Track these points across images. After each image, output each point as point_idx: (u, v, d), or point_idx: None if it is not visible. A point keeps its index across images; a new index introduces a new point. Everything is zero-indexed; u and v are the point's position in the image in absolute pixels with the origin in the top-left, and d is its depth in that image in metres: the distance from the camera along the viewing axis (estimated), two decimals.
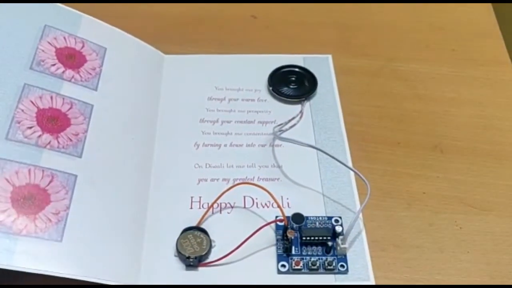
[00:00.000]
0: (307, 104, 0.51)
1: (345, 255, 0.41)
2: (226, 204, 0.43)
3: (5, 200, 0.36)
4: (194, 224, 0.42)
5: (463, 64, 0.56)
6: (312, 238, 0.41)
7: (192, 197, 0.44)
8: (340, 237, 0.41)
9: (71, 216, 0.38)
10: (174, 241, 0.41)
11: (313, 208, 0.43)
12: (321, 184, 0.45)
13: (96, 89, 0.46)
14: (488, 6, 0.61)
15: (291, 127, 0.49)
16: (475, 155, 0.48)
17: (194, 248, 0.40)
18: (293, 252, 0.41)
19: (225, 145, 0.48)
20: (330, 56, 0.55)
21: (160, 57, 0.54)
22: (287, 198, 0.44)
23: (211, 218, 0.43)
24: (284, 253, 0.41)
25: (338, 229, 0.41)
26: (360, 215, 0.43)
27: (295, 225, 0.42)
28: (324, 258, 0.40)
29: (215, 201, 0.42)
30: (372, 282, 0.40)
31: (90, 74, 0.47)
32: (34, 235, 0.36)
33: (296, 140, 0.46)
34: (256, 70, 0.53)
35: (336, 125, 0.49)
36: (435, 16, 0.61)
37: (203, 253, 0.40)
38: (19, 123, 0.40)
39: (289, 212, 0.42)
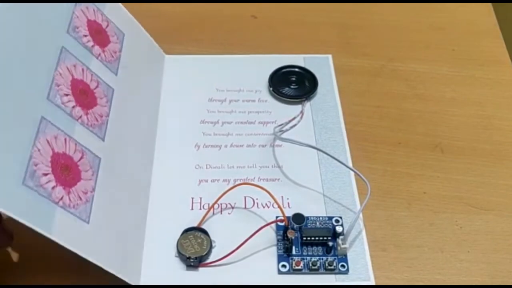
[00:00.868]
0: (307, 104, 0.51)
1: (346, 255, 0.41)
2: (226, 205, 0.44)
3: (46, 163, 0.35)
4: (194, 224, 0.42)
5: (463, 64, 0.56)
6: (313, 238, 0.41)
7: (192, 198, 0.44)
8: (341, 237, 0.41)
9: (95, 199, 0.38)
10: (175, 242, 0.41)
11: (314, 208, 0.43)
12: (321, 184, 0.45)
13: (116, 74, 0.45)
14: (488, 6, 0.62)
15: (292, 127, 0.49)
16: (475, 155, 0.48)
17: (194, 249, 0.40)
18: (293, 252, 0.41)
19: (226, 146, 0.48)
20: (330, 56, 0.55)
21: (162, 57, 0.54)
22: (288, 198, 0.44)
23: (211, 219, 0.43)
24: (285, 253, 0.41)
25: (339, 229, 0.41)
26: (361, 215, 0.43)
27: (295, 225, 0.42)
28: (324, 258, 0.40)
29: (215, 202, 0.42)
30: (372, 282, 0.40)
31: (112, 56, 0.46)
32: (68, 209, 0.35)
33: (296, 140, 0.46)
34: (256, 70, 0.53)
35: (337, 125, 0.49)
36: (435, 16, 0.61)
37: (204, 254, 0.40)
38: (58, 86, 0.39)
39: (289, 212, 0.42)
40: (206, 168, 0.46)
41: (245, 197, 0.44)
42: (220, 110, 0.50)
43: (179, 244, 0.40)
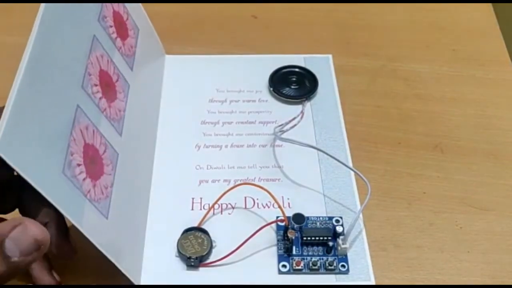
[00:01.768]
0: (307, 104, 0.51)
1: (346, 255, 0.41)
2: (227, 205, 0.44)
3: (80, 153, 0.35)
4: (195, 224, 0.42)
5: (463, 64, 0.56)
6: (313, 238, 0.41)
7: (193, 198, 0.44)
8: (341, 237, 0.41)
9: (113, 195, 0.37)
10: (175, 242, 0.41)
11: (314, 208, 0.43)
12: (321, 184, 0.45)
13: (132, 69, 0.45)
14: (488, 6, 0.62)
15: (292, 127, 0.49)
16: (475, 155, 0.48)
17: (195, 249, 0.40)
18: (294, 252, 0.41)
19: (226, 146, 0.48)
20: (330, 56, 0.55)
21: (163, 57, 0.54)
22: (288, 198, 0.44)
23: (212, 219, 0.43)
24: (285, 253, 0.41)
25: (339, 229, 0.41)
26: (361, 215, 0.43)
27: (295, 225, 0.42)
28: (324, 258, 0.41)
29: (216, 202, 0.42)
30: (372, 282, 0.40)
31: (129, 51, 0.45)
32: (94, 203, 0.35)
33: (296, 140, 0.47)
34: (256, 70, 0.54)
35: (337, 125, 0.49)
36: (435, 16, 0.61)
37: (204, 253, 0.40)
38: (90, 75, 0.38)
39: (289, 212, 0.42)
40: (207, 168, 0.46)
41: (245, 197, 0.44)
42: (220, 111, 0.50)
43: (179, 244, 0.40)
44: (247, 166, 0.46)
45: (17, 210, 0.38)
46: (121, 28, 0.44)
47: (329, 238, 0.41)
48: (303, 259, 0.40)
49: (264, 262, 0.41)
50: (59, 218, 0.37)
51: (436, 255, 0.42)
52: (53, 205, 0.31)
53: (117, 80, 0.42)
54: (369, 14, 0.61)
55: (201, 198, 0.44)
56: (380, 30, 0.59)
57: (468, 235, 0.43)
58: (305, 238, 0.41)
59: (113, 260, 0.35)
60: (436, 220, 0.44)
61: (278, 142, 0.48)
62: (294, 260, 0.40)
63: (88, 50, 0.39)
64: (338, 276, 0.40)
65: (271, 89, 0.52)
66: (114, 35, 0.43)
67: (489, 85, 0.54)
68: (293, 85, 0.52)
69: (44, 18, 0.35)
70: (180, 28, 0.59)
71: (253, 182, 0.44)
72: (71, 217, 0.32)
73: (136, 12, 0.48)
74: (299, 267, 0.40)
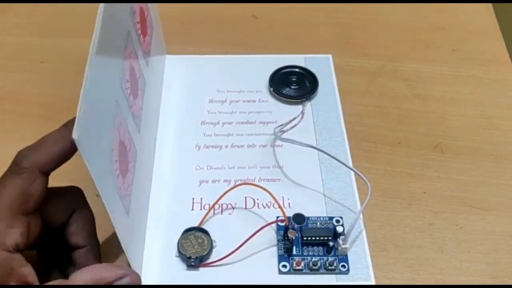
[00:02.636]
0: (308, 105, 0.51)
1: (346, 255, 0.41)
2: (227, 205, 0.44)
3: (116, 148, 0.35)
4: (195, 224, 0.42)
5: (463, 64, 0.56)
6: (313, 238, 0.41)
7: (193, 199, 0.44)
8: (341, 237, 0.41)
9: (132, 193, 0.37)
10: (176, 242, 0.41)
11: (314, 209, 0.43)
12: (322, 184, 0.45)
13: (147, 66, 0.45)
14: (488, 6, 0.62)
15: (292, 127, 0.49)
16: (475, 155, 0.48)
17: (195, 249, 0.40)
18: (294, 252, 0.41)
19: (226, 146, 0.48)
20: (330, 56, 0.55)
21: (163, 57, 0.54)
22: (288, 199, 0.44)
23: (212, 219, 0.43)
24: (285, 254, 0.41)
25: (339, 229, 0.41)
26: (361, 215, 0.43)
27: (296, 226, 0.42)
28: (325, 258, 0.41)
29: (216, 202, 0.42)
30: (372, 282, 0.40)
31: (146, 49, 0.45)
32: (122, 200, 0.35)
33: (297, 140, 0.46)
34: (257, 70, 0.54)
35: (337, 125, 0.49)
36: (435, 16, 0.61)
37: (204, 254, 0.40)
38: (125, 70, 0.39)
39: (290, 213, 0.42)
40: (207, 168, 0.46)
41: (245, 198, 0.44)
42: (220, 111, 0.51)
43: (179, 244, 0.40)
44: (247, 166, 0.46)
45: None
46: (143, 25, 0.45)
47: (330, 238, 0.41)
48: (304, 259, 0.40)
49: (264, 262, 0.41)
50: (96, 244, 0.38)
51: (436, 255, 0.42)
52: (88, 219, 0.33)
53: (139, 77, 0.42)
54: (369, 14, 0.61)
55: (201, 198, 0.44)
56: (380, 30, 0.59)
57: (468, 235, 0.43)
58: (305, 238, 0.41)
59: (130, 259, 0.36)
60: (436, 220, 0.44)
61: (278, 142, 0.48)
62: (295, 260, 0.40)
63: (124, 44, 0.39)
64: (338, 276, 0.40)
65: (271, 89, 0.52)
66: (139, 32, 0.43)
67: (489, 85, 0.54)
68: (293, 85, 0.52)
69: (105, 16, 0.35)
70: (180, 28, 0.59)
71: (253, 182, 0.44)
72: (112, 214, 0.32)
73: (153, 11, 0.48)
74: (300, 267, 0.40)
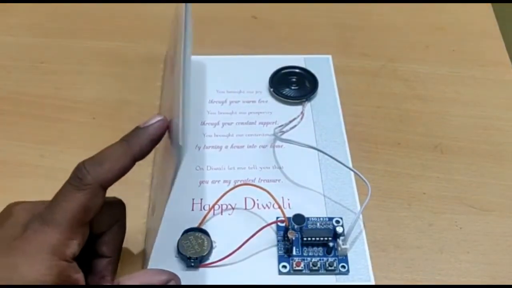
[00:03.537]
0: (308, 105, 0.51)
1: (346, 256, 0.41)
2: (227, 206, 0.44)
3: None
4: (195, 225, 0.42)
5: (463, 64, 0.56)
6: (313, 239, 0.41)
7: (193, 199, 0.44)
8: (341, 237, 0.41)
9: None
10: (175, 242, 0.41)
11: (314, 209, 0.43)
12: (321, 185, 0.45)
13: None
14: (488, 6, 0.62)
15: (292, 128, 0.49)
16: (475, 155, 0.48)
17: (195, 249, 0.40)
18: (294, 253, 0.41)
19: (226, 147, 0.48)
20: (330, 57, 0.55)
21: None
22: (288, 199, 0.44)
23: (212, 219, 0.43)
24: (285, 254, 0.41)
25: (339, 229, 0.41)
26: (361, 215, 0.43)
27: (296, 226, 0.42)
28: (325, 258, 0.41)
29: (216, 202, 0.42)
30: (372, 282, 0.40)
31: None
32: None
33: (297, 141, 0.47)
34: (256, 71, 0.54)
35: (337, 125, 0.49)
36: (435, 16, 0.61)
37: (204, 254, 0.40)
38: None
39: (290, 213, 0.42)
40: (207, 169, 0.46)
41: (245, 198, 0.44)
42: (220, 111, 0.51)
43: (179, 245, 0.40)
44: (247, 167, 0.46)
45: None
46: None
47: (329, 238, 0.41)
48: (303, 259, 0.40)
49: (264, 263, 0.41)
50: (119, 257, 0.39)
51: (436, 255, 0.42)
52: None
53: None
54: (369, 14, 0.61)
55: (201, 199, 0.44)
56: (380, 30, 0.59)
57: (468, 235, 0.43)
58: (305, 239, 0.41)
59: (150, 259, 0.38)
60: (436, 221, 0.44)
61: (278, 142, 0.48)
62: (294, 261, 0.40)
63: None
64: (338, 276, 0.40)
65: (271, 89, 0.52)
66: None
67: (489, 85, 0.54)
68: (293, 85, 0.52)
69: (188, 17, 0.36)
70: None
71: (253, 183, 0.44)
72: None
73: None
74: (299, 268, 0.40)
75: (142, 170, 0.47)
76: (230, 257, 0.40)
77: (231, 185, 0.44)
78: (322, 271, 0.40)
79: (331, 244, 0.41)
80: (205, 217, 0.42)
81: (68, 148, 0.49)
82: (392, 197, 0.45)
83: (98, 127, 0.50)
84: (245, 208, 0.44)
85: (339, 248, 0.41)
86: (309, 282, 0.40)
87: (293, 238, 0.40)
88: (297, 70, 0.53)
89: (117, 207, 0.38)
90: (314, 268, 0.40)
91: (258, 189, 0.42)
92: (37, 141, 0.49)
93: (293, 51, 0.56)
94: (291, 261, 0.40)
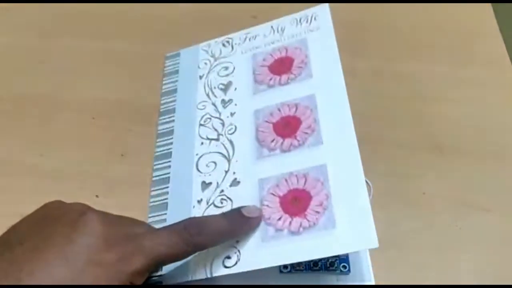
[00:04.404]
0: None
1: (347, 256, 0.41)
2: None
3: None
4: None
5: (463, 64, 0.56)
6: None
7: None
8: None
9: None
10: None
11: None
12: None
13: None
14: (488, 6, 0.61)
15: None
16: (475, 155, 0.48)
17: None
18: None
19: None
20: None
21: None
22: None
23: None
24: None
25: None
26: None
27: None
28: (325, 258, 0.41)
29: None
30: (372, 282, 0.40)
31: None
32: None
33: None
34: None
35: None
36: (435, 16, 0.61)
37: None
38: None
39: None
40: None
41: None
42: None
43: None
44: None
45: None
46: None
47: None
48: None
49: None
50: None
51: (436, 255, 0.42)
52: None
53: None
54: (369, 14, 0.61)
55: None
56: (380, 30, 0.59)
57: (468, 235, 0.43)
58: None
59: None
60: (436, 221, 0.44)
61: None
62: None
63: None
64: (339, 276, 0.40)
65: None
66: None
67: (489, 85, 0.54)
68: None
69: None
70: (180, 28, 0.59)
71: None
72: None
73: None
74: (300, 267, 0.40)
75: (142, 170, 0.47)
76: None
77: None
78: (323, 270, 0.40)
79: None
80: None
81: (68, 148, 0.49)
82: (392, 197, 0.45)
83: (98, 127, 0.50)
84: None
85: None
86: (310, 281, 0.40)
87: None
88: None
89: None
90: (315, 267, 0.40)
91: None
92: (37, 141, 0.49)
93: None
94: None
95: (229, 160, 0.44)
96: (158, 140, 0.49)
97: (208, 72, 0.51)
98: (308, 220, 0.38)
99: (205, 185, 0.44)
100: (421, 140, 0.49)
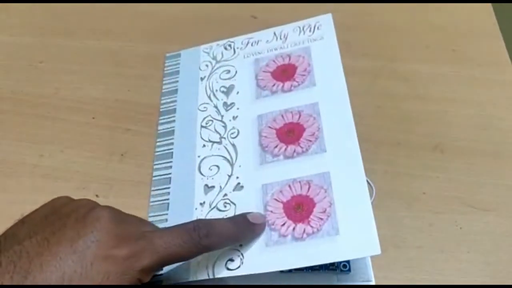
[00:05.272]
0: None
1: None
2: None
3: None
4: None
5: (463, 64, 0.56)
6: None
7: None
8: None
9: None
10: None
11: None
12: None
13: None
14: (488, 6, 0.62)
15: None
16: (475, 155, 0.48)
17: None
18: None
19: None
20: None
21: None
22: None
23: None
24: None
25: None
26: None
27: None
28: None
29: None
30: (373, 282, 0.40)
31: None
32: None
33: None
34: None
35: None
36: (435, 16, 0.61)
37: None
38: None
39: None
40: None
41: None
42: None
43: None
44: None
45: None
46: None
47: None
48: None
49: None
50: None
51: (436, 255, 0.42)
52: None
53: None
54: (369, 14, 0.61)
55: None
56: (380, 30, 0.59)
57: (468, 235, 0.43)
58: None
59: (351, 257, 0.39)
60: (436, 220, 0.44)
61: None
62: None
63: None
64: (339, 276, 0.40)
65: None
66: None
67: (488, 85, 0.54)
68: None
69: None
70: (180, 28, 0.59)
71: None
72: None
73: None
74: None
75: (142, 170, 0.47)
76: None
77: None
78: (323, 270, 0.40)
79: None
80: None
81: (68, 148, 0.49)
82: (392, 197, 0.45)
83: (98, 127, 0.50)
84: None
85: None
86: (310, 281, 0.40)
87: None
88: None
89: None
90: (315, 267, 0.40)
91: None
92: (37, 141, 0.49)
93: None
94: None
95: (232, 165, 0.44)
96: (158, 140, 0.49)
97: (210, 74, 0.51)
98: (312, 227, 0.38)
99: (207, 188, 0.44)
100: (421, 139, 0.49)
